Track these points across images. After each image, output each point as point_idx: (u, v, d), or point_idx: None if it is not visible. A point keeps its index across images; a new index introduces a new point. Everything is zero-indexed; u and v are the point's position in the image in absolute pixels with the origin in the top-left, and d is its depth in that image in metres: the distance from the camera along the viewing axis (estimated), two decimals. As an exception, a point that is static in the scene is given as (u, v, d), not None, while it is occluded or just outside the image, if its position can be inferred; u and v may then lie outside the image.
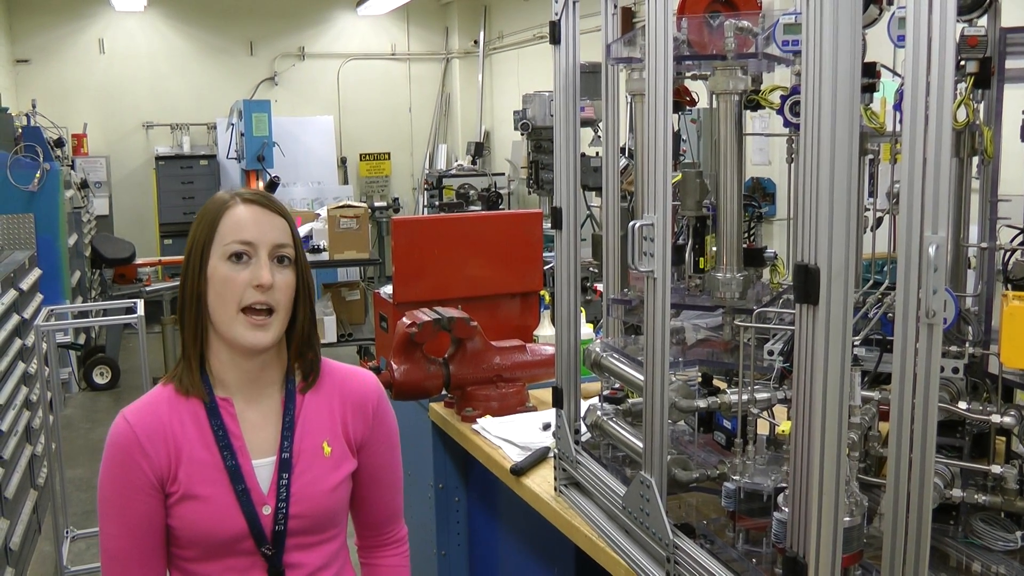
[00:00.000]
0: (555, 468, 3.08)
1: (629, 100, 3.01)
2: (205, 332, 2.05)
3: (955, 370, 2.12)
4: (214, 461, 2.04)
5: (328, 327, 8.69)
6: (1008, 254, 2.37)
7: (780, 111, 2.48)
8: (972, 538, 2.35)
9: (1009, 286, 2.30)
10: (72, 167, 11.54)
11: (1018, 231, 2.37)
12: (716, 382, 2.77)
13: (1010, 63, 2.44)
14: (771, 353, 2.37)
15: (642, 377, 2.47)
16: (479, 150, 14.30)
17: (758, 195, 2.91)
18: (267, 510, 2.07)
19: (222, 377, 2.09)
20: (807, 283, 1.72)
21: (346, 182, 14.70)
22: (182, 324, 2.06)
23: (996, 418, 2.22)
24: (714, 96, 2.63)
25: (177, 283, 8.43)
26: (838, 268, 1.70)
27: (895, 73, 2.51)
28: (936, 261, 1.61)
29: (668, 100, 2.27)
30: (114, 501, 2.04)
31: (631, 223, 2.34)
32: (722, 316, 2.74)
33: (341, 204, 9.21)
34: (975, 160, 2.50)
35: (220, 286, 1.99)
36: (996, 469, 2.24)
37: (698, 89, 2.88)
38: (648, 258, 2.32)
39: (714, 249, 2.74)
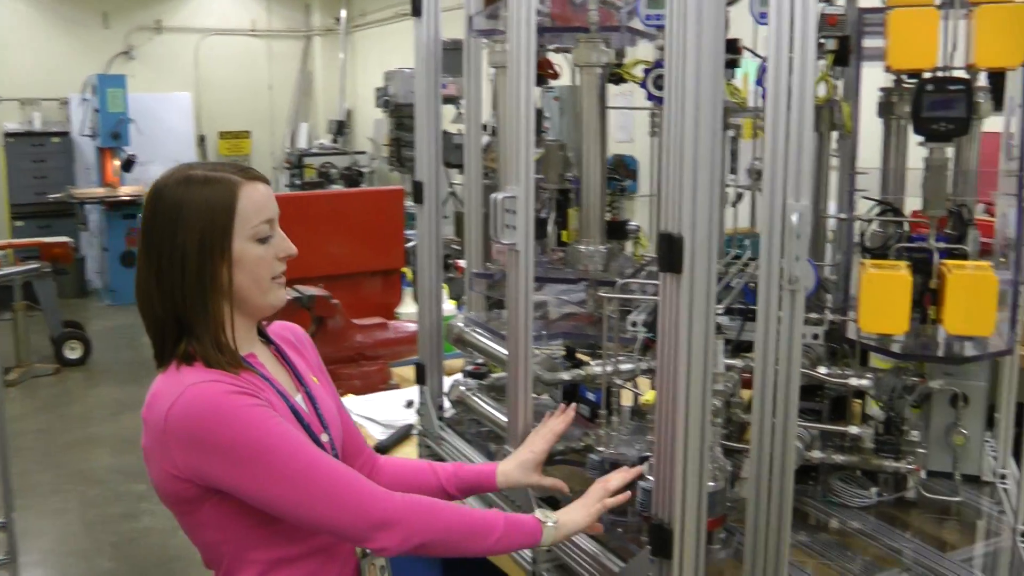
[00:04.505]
0: (419, 445, 3.05)
1: (492, 76, 3.00)
2: (219, 311, 1.92)
3: (815, 336, 2.16)
4: (280, 404, 1.94)
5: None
6: (865, 225, 2.43)
7: (643, 84, 2.48)
8: (831, 496, 2.44)
9: (867, 255, 2.36)
10: (-89, 143, 11.07)
11: (874, 203, 2.43)
12: (579, 355, 2.77)
13: (867, 42, 2.51)
14: (634, 324, 2.37)
15: (506, 351, 2.45)
16: (340, 128, 14.16)
17: (621, 172, 2.92)
18: (325, 438, 2.04)
19: (235, 342, 1.97)
20: (671, 252, 1.72)
21: (205, 160, 14.39)
22: (192, 315, 1.89)
23: (854, 381, 2.29)
24: (577, 69, 2.62)
25: (31, 266, 8.17)
26: (702, 237, 1.70)
27: (755, 54, 2.55)
28: (799, 228, 1.63)
29: (531, 70, 2.25)
30: (272, 427, 1.82)
31: (493, 195, 2.32)
32: (585, 289, 2.74)
33: (199, 182, 9.00)
34: (834, 135, 2.54)
35: (254, 266, 1.93)
36: (854, 430, 2.33)
37: (561, 63, 2.87)
38: (511, 230, 2.30)
39: (577, 222, 2.74)
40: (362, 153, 13.18)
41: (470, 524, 1.96)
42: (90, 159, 12.14)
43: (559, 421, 2.32)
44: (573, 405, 2.36)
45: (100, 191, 11.29)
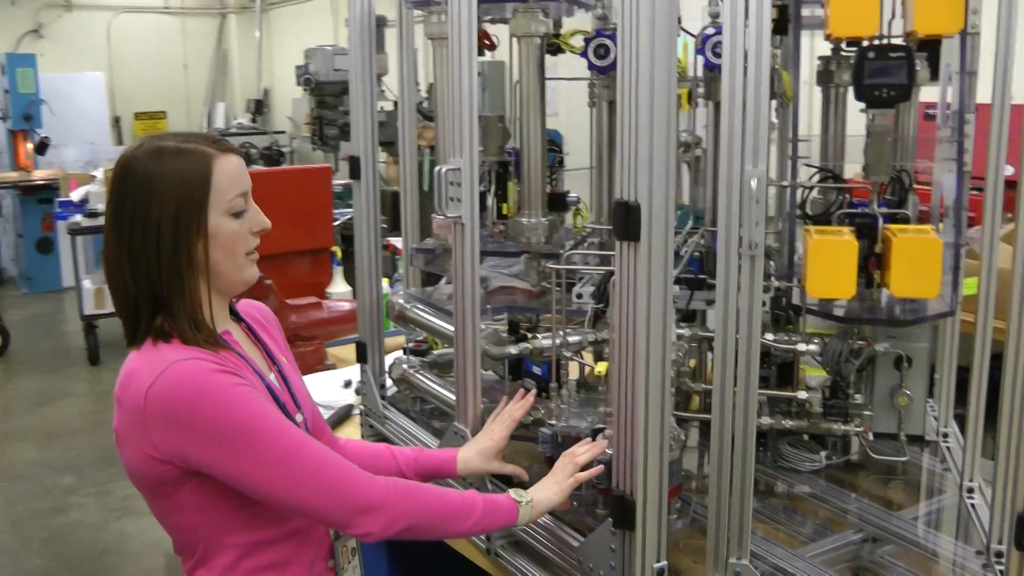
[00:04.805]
0: (362, 425, 3.02)
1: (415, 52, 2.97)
2: (195, 288, 1.86)
3: (762, 303, 2.17)
4: (257, 384, 1.89)
5: (109, 293, 8.33)
6: (806, 191, 2.44)
7: (584, 54, 2.46)
8: (780, 461, 2.47)
9: (809, 222, 2.38)
10: None
11: (815, 170, 2.44)
12: (521, 329, 2.75)
13: (805, 11, 2.52)
14: (580, 296, 2.37)
15: (450, 327, 2.43)
16: (259, 108, 13.99)
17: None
18: (299, 418, 2.00)
19: (212, 319, 1.92)
20: (628, 220, 1.70)
21: (121, 142, 14.04)
22: (168, 292, 1.83)
23: (802, 346, 2.31)
24: (515, 39, 2.59)
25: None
26: (659, 205, 1.69)
27: (686, 32, 2.55)
28: (757, 194, 1.63)
29: (472, 39, 2.22)
30: (256, 408, 1.78)
31: (437, 168, 2.29)
32: (526, 261, 2.73)
33: (116, 165, 8.82)
34: (773, 103, 2.55)
35: (229, 240, 1.86)
36: (802, 395, 2.36)
37: (496, 35, 2.85)
38: (456, 203, 2.27)
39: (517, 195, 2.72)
40: (281, 133, 13.03)
41: (450, 507, 1.94)
42: (1, 142, 11.81)
43: (518, 407, 2.30)
44: (532, 391, 2.34)
45: (13, 175, 10.99)
